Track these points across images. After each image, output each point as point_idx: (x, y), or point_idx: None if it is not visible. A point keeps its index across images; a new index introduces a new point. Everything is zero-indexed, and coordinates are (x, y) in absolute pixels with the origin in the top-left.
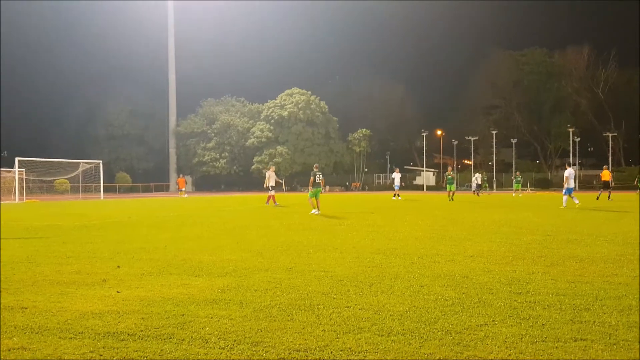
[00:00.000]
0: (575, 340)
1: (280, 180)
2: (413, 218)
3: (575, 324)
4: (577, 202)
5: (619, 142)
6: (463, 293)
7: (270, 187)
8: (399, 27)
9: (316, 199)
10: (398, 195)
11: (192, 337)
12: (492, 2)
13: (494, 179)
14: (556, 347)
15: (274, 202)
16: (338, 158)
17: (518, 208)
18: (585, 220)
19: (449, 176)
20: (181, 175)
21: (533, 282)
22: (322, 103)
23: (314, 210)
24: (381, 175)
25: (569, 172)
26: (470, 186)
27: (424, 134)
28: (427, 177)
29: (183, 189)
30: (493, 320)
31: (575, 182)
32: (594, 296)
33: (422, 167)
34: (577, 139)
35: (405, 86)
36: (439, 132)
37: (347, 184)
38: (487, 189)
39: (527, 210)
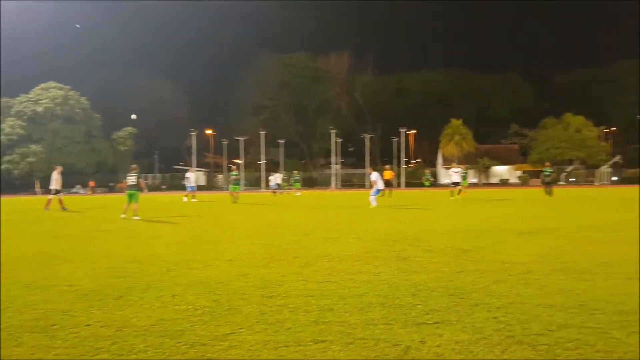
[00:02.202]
0: (316, 343)
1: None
2: (178, 220)
3: (319, 325)
4: (374, 204)
5: (376, 144)
6: (215, 300)
7: (55, 190)
8: (168, 24)
9: (130, 203)
10: (193, 197)
11: None
12: (260, 3)
13: (262, 179)
14: (296, 352)
15: (62, 206)
16: (101, 157)
17: (289, 207)
18: (343, 217)
19: (234, 177)
20: None
21: (285, 284)
22: (83, 99)
23: (123, 215)
24: (149, 175)
25: (376, 175)
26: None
27: (194, 133)
28: (197, 176)
29: None
30: (240, 328)
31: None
32: (339, 295)
33: (192, 166)
34: (339, 140)
35: (174, 84)
36: (208, 132)
37: (112, 184)
38: (288, 187)
39: (294, 210)
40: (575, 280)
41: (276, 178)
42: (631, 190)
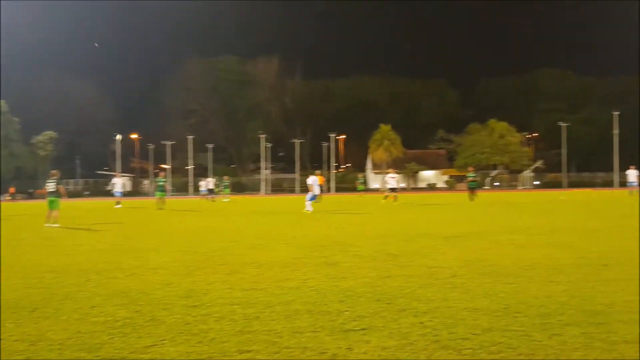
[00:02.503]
0: (241, 353)
1: None
2: (100, 227)
3: (244, 335)
4: (310, 209)
5: (306, 148)
6: (136, 311)
7: None
8: (92, 24)
9: (51, 210)
10: (118, 203)
11: None
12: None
13: (189, 184)
14: None
15: None
16: (20, 163)
17: (217, 213)
18: (272, 223)
19: (160, 182)
20: None
21: (210, 293)
22: (2, 102)
23: (47, 224)
24: (70, 181)
25: (313, 179)
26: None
27: (119, 138)
28: (123, 182)
29: None
30: (162, 340)
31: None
32: (265, 303)
33: (117, 171)
34: (269, 145)
35: (98, 86)
36: (134, 136)
37: (31, 191)
38: (219, 191)
39: (222, 216)
40: (499, 283)
41: (208, 183)
42: (552, 194)
